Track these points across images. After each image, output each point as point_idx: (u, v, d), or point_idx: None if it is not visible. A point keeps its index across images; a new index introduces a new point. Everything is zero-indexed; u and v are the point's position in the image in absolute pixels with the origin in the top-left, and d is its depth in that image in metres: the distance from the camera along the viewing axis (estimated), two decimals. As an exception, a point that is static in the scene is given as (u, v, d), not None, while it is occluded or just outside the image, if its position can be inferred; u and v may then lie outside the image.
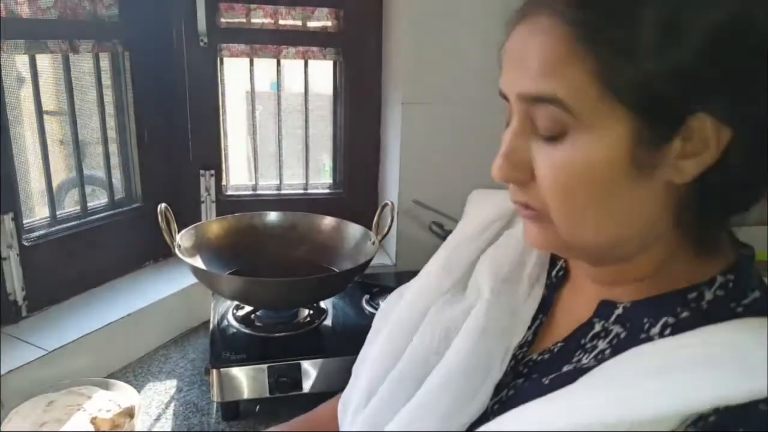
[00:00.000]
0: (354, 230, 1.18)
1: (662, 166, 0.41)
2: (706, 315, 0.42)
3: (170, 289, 1.22)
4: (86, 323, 1.07)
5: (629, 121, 0.40)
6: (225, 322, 1.06)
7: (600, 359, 0.44)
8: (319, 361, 0.96)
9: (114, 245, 1.25)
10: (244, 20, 1.32)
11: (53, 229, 1.14)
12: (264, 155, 1.45)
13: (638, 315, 0.45)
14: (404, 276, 1.25)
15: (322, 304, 1.14)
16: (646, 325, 0.44)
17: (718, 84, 0.38)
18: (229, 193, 1.42)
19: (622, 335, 0.45)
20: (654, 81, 0.38)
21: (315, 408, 0.77)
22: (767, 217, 0.44)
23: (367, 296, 1.18)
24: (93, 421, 0.85)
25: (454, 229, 1.24)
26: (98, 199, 1.26)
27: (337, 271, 1.15)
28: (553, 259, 0.57)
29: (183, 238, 1.07)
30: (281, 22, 1.34)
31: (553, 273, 0.56)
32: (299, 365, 0.95)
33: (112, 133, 1.25)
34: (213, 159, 1.37)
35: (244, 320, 1.06)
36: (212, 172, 1.36)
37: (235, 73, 1.39)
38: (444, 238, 1.21)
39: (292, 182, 1.48)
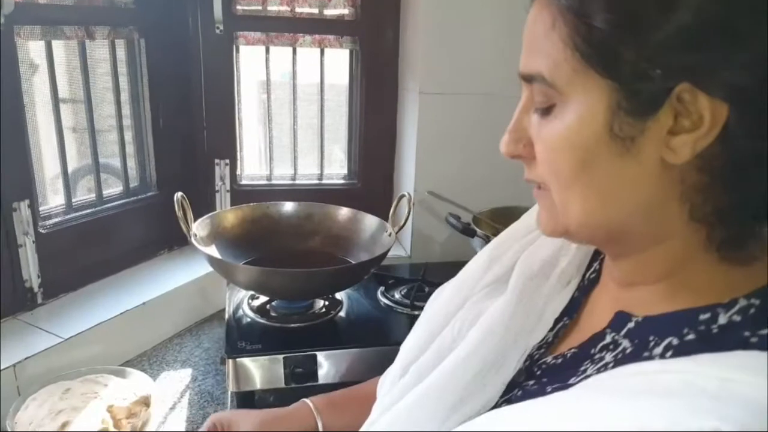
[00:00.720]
0: (370, 221, 1.17)
1: (648, 141, 0.38)
2: (711, 341, 0.39)
3: (185, 278, 1.22)
4: (101, 311, 1.07)
5: (606, 91, 0.39)
6: (240, 312, 1.06)
7: (602, 372, 0.43)
8: (335, 352, 0.96)
9: (129, 233, 1.24)
10: (260, 8, 1.31)
11: (69, 216, 1.14)
12: (276, 145, 1.44)
13: (647, 332, 0.43)
14: (419, 268, 1.25)
15: (338, 295, 1.13)
16: (651, 344, 0.41)
17: (700, 52, 0.35)
18: (244, 182, 1.41)
19: (628, 351, 0.43)
20: (617, 44, 0.37)
21: (360, 384, 0.79)
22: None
23: (382, 288, 1.17)
24: (109, 409, 0.85)
25: (470, 220, 1.24)
26: (111, 188, 1.25)
27: (352, 262, 1.14)
28: (592, 261, 0.56)
29: (199, 227, 1.06)
30: (298, 9, 1.32)
31: (587, 275, 0.55)
32: (315, 356, 0.94)
33: (126, 121, 1.24)
34: (228, 148, 1.36)
35: (259, 310, 1.06)
36: (227, 161, 1.36)
37: (248, 63, 1.38)
38: (460, 230, 1.21)
39: (305, 172, 1.47)
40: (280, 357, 0.93)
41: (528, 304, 0.53)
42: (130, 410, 0.86)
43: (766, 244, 0.41)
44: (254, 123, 1.54)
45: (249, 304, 1.08)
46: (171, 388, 1.02)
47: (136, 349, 1.12)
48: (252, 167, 1.47)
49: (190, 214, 1.02)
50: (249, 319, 1.04)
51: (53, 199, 1.15)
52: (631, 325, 0.44)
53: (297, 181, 1.46)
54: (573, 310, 0.53)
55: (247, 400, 0.95)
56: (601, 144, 0.40)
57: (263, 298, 1.09)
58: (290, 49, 1.35)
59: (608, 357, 0.44)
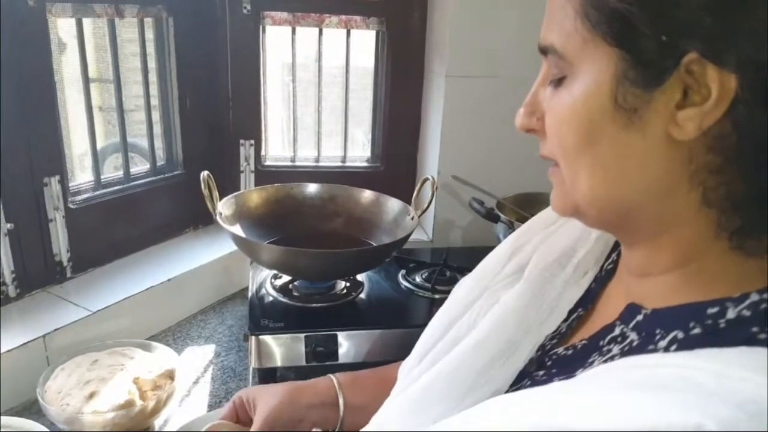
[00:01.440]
0: (393, 204, 1.18)
1: (654, 114, 0.37)
2: (717, 335, 0.37)
3: (209, 256, 1.24)
4: (128, 286, 1.10)
5: (614, 60, 0.38)
6: (263, 291, 1.07)
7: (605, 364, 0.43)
8: (355, 332, 0.96)
9: (155, 211, 1.26)
10: (287, -12, 1.30)
11: (97, 193, 1.16)
12: (300, 127, 1.44)
13: (655, 324, 0.42)
14: (441, 252, 1.25)
15: (359, 277, 1.14)
16: (657, 337, 0.40)
17: (710, 21, 0.34)
18: (268, 163, 1.42)
19: (635, 343, 0.42)
20: (627, 11, 0.37)
21: (387, 365, 0.79)
22: None
23: (403, 271, 1.17)
24: (135, 381, 0.87)
25: (494, 205, 1.24)
26: (137, 166, 1.27)
27: (374, 244, 1.15)
28: (611, 253, 0.55)
29: (224, 206, 1.07)
30: (325, -10, 1.32)
31: (605, 266, 0.54)
32: (335, 336, 0.95)
33: (154, 101, 1.26)
34: (253, 129, 1.37)
35: (282, 289, 1.07)
36: (252, 142, 1.36)
37: (273, 45, 1.38)
38: (484, 215, 1.21)
39: (329, 154, 1.47)
40: (302, 336, 0.94)
41: (541, 294, 0.53)
42: (156, 383, 0.89)
43: None
44: (278, 105, 1.55)
45: (272, 283, 1.09)
46: (195, 363, 1.04)
47: (162, 324, 1.14)
48: (276, 148, 1.48)
49: (215, 193, 1.04)
50: (271, 298, 1.05)
51: (81, 177, 1.17)
52: (639, 317, 0.44)
53: (320, 163, 1.46)
54: (588, 301, 0.52)
55: (268, 376, 0.97)
56: (606, 115, 0.39)
57: (286, 278, 1.10)
58: (316, 30, 1.35)
59: (615, 349, 0.44)
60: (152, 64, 1.24)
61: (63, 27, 1.08)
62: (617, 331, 0.45)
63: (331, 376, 0.76)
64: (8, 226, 0.98)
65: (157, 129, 1.27)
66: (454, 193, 1.36)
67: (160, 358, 0.95)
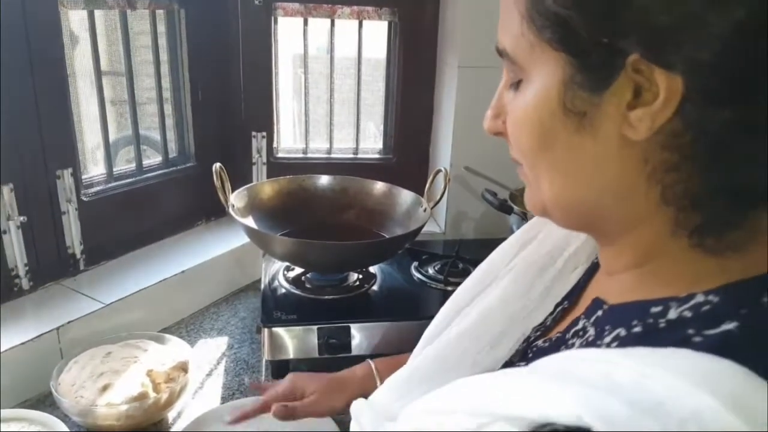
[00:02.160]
0: (405, 196, 1.17)
1: (605, 117, 0.37)
2: (655, 335, 0.36)
3: (222, 248, 1.24)
4: (141, 279, 1.10)
5: (561, 64, 0.38)
6: (276, 283, 1.07)
7: None
8: (368, 324, 0.96)
9: (168, 203, 1.26)
10: (298, -22, 1.30)
11: (110, 185, 1.16)
12: (312, 119, 1.44)
13: (606, 321, 0.42)
14: (454, 244, 1.24)
15: (371, 269, 1.14)
16: (606, 333, 0.40)
17: (650, 23, 0.33)
18: (280, 155, 1.42)
19: (590, 338, 0.42)
20: (566, 15, 0.36)
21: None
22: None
23: (416, 263, 1.17)
24: (149, 373, 0.87)
25: (507, 197, 1.22)
26: (149, 159, 1.27)
27: (386, 236, 1.14)
28: None
29: (236, 198, 1.07)
30: (336, -20, 1.31)
31: (594, 259, 0.54)
32: (348, 328, 0.95)
33: (166, 94, 1.25)
34: (265, 121, 1.37)
35: (294, 282, 1.07)
36: (264, 133, 1.36)
37: (285, 37, 1.37)
38: (497, 207, 1.20)
39: (341, 146, 1.47)
40: (314, 328, 0.94)
41: (526, 287, 0.53)
42: (169, 375, 0.89)
43: (749, 234, 0.37)
44: (290, 96, 1.54)
45: (284, 275, 1.09)
46: (208, 355, 1.04)
47: (175, 316, 1.14)
48: (288, 140, 1.47)
49: (227, 185, 1.03)
50: (284, 290, 1.05)
51: (93, 169, 1.17)
52: (600, 312, 0.44)
53: (333, 155, 1.46)
54: (574, 295, 0.53)
55: (281, 368, 0.97)
56: (557, 120, 0.39)
57: (298, 270, 1.10)
58: (328, 21, 1.34)
59: (577, 343, 0.44)
60: (164, 56, 1.23)
61: (74, 20, 1.07)
62: (580, 324, 0.45)
63: (369, 361, 0.78)
64: (21, 218, 0.98)
65: (169, 121, 1.27)
66: (466, 185, 1.34)
67: (174, 351, 0.95)
